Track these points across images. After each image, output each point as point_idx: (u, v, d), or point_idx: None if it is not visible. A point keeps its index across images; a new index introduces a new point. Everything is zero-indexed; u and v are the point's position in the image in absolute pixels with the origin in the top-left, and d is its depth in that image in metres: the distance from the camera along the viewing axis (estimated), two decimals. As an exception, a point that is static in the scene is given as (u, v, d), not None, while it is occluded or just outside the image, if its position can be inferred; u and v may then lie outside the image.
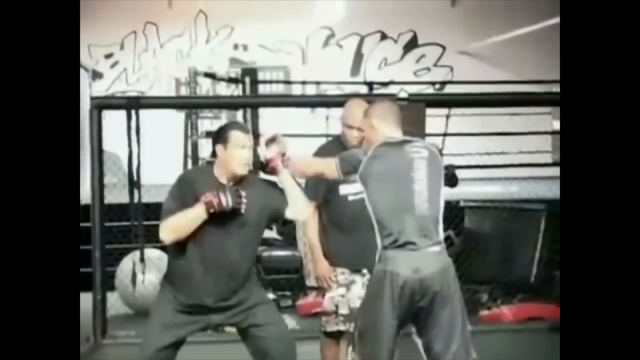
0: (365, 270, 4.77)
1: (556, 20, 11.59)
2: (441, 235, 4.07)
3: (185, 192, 4.24)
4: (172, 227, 4.18)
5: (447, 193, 7.11)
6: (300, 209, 4.39)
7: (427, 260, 3.96)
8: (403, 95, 5.60)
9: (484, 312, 7.71)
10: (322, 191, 4.79)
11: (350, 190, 4.72)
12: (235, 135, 4.28)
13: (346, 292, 4.81)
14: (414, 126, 5.79)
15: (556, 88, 9.49)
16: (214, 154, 4.33)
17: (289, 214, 4.36)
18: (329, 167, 4.20)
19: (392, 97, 6.07)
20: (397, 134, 4.20)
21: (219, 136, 4.32)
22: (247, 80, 8.83)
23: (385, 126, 4.19)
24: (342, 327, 4.84)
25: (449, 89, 12.30)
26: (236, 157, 4.24)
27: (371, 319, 3.98)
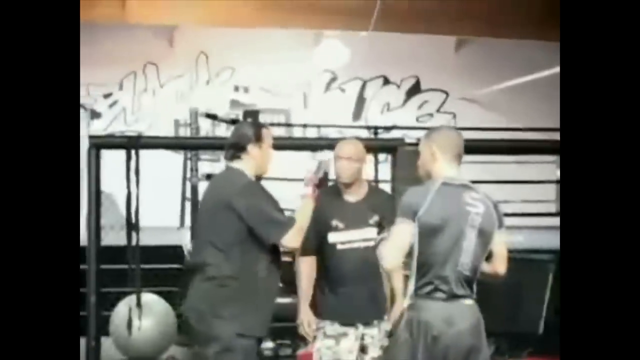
0: (359, 325, 4.58)
1: (556, 70, 11.55)
2: (474, 289, 4.03)
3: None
4: (302, 229, 4.24)
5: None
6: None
7: (462, 313, 3.91)
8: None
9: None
10: (314, 239, 4.61)
11: (340, 238, 4.56)
12: (268, 135, 4.36)
13: (334, 344, 4.62)
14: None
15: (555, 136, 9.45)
16: (239, 152, 4.24)
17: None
18: (409, 232, 3.95)
19: (399, 142, 5.90)
20: (455, 171, 4.09)
21: (252, 135, 4.29)
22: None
23: (446, 159, 4.06)
24: None
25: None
26: (270, 156, 4.36)
27: None
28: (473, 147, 7.89)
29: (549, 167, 10.84)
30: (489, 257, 4.08)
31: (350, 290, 4.48)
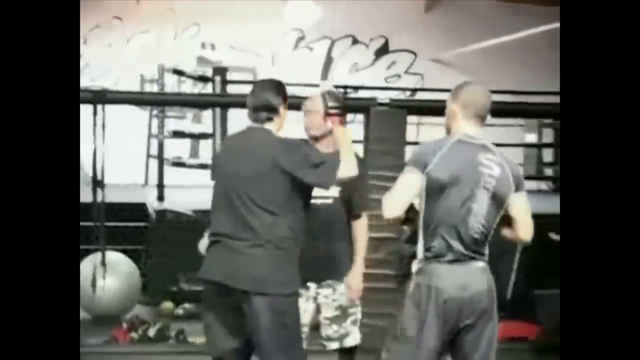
0: (310, 284, 4.51)
1: (528, 32, 11.53)
2: (486, 251, 3.79)
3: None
4: (350, 159, 4.08)
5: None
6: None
7: (474, 277, 3.71)
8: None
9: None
10: None
11: None
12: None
13: None
14: (394, 133, 5.60)
15: (529, 99, 9.42)
16: (272, 113, 4.10)
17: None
18: (416, 182, 3.74)
19: (372, 101, 5.83)
20: (475, 129, 3.82)
21: (283, 95, 4.13)
22: (218, 79, 8.59)
23: (466, 116, 3.82)
24: None
25: (420, 97, 12.13)
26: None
27: (412, 336, 3.72)
28: (440, 109, 7.90)
29: (514, 130, 10.86)
30: (510, 223, 3.83)
31: (306, 248, 4.37)
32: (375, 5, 12.62)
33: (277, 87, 4.19)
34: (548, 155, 11.25)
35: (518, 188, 3.79)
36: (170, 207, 8.65)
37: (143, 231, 8.54)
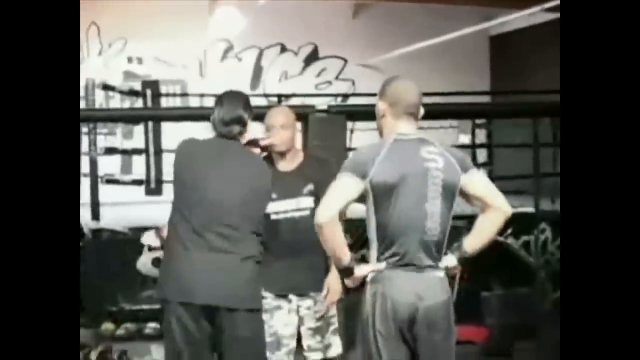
0: (292, 296, 4.45)
1: (455, 34, 11.59)
2: (442, 259, 3.60)
3: None
4: None
5: (364, 209, 6.83)
6: None
7: (432, 287, 3.51)
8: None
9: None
10: None
11: (273, 208, 4.39)
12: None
13: (269, 318, 4.46)
14: (333, 140, 5.51)
15: (460, 100, 9.45)
16: (243, 127, 4.09)
17: None
18: (351, 187, 3.49)
19: (310, 108, 5.74)
20: (409, 126, 3.60)
21: (250, 108, 4.13)
22: (149, 93, 8.44)
23: (395, 114, 3.60)
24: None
25: (352, 102, 12.10)
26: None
27: (367, 347, 3.53)
28: (372, 113, 7.89)
29: (449, 132, 10.89)
30: (481, 209, 3.59)
31: (284, 260, 4.32)
32: (302, 12, 12.58)
33: (246, 100, 4.13)
34: (482, 155, 11.33)
35: (466, 170, 3.59)
36: (105, 225, 8.45)
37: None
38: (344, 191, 3.49)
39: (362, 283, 3.63)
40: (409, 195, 3.48)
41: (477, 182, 3.61)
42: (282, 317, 4.46)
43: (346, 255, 3.57)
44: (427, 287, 3.50)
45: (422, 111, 3.68)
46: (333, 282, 4.41)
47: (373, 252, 3.57)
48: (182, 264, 3.95)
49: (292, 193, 4.46)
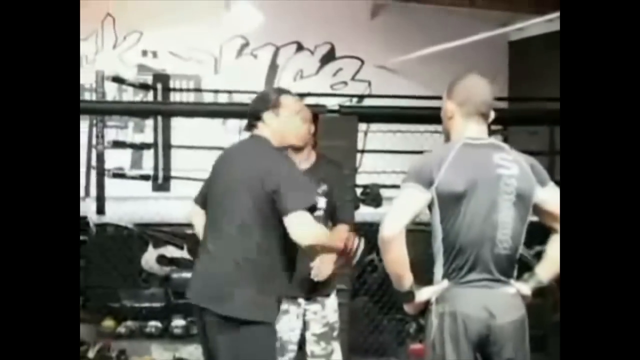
0: (300, 300, 4.33)
1: (473, 38, 11.42)
2: (515, 274, 3.39)
3: None
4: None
5: (372, 213, 6.69)
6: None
7: (504, 304, 3.27)
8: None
9: (415, 346, 6.96)
10: None
11: None
12: (288, 102, 3.91)
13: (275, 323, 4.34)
14: (345, 141, 5.37)
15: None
16: (255, 120, 3.90)
17: None
18: (418, 199, 3.27)
19: (321, 108, 5.60)
20: (479, 129, 3.37)
21: (268, 102, 3.89)
22: (159, 86, 8.33)
23: (465, 115, 3.36)
24: None
25: (367, 104, 11.96)
26: (292, 124, 3.91)
27: None
28: (390, 116, 7.75)
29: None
30: (554, 230, 3.37)
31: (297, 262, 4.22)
32: (320, 10, 12.44)
33: (265, 93, 4.02)
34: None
35: (543, 183, 3.37)
36: (110, 220, 8.34)
37: (82, 246, 8.20)
38: (409, 203, 3.26)
39: (423, 311, 3.37)
40: (477, 206, 3.25)
41: (557, 200, 3.31)
42: (288, 322, 4.35)
43: (409, 278, 3.31)
44: (499, 304, 3.27)
45: (492, 114, 3.43)
46: (326, 260, 4.29)
47: (438, 267, 3.32)
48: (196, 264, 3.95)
49: None
